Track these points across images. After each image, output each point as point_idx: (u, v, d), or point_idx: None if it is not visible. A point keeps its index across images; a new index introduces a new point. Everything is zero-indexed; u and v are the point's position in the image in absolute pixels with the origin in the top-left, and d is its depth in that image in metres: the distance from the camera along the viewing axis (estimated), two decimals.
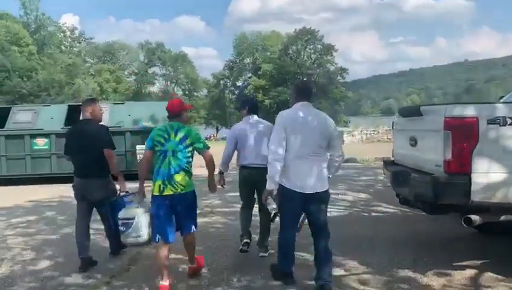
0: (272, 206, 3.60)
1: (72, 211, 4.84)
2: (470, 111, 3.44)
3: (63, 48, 57.15)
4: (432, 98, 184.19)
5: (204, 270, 4.00)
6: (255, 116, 4.51)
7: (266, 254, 4.35)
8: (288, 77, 61.99)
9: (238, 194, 4.60)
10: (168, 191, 3.61)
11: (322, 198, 3.50)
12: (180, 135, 3.71)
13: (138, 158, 10.42)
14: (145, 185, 3.80)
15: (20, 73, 46.33)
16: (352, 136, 20.92)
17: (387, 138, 20.89)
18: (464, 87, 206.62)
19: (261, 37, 70.03)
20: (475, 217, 3.43)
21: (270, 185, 3.46)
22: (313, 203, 3.45)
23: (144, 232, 3.74)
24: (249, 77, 67.10)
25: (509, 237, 4.37)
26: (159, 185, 3.63)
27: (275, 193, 3.50)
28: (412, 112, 4.37)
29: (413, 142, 4.18)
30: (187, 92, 69.48)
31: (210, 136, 61.36)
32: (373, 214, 6.15)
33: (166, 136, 3.71)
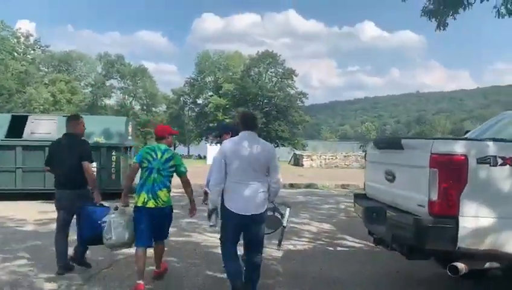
0: (211, 223, 3.99)
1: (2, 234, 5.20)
2: (458, 148, 3.15)
3: (15, 54, 54.39)
4: (385, 126, 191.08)
5: None
6: None
7: None
8: (249, 98, 62.13)
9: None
10: (150, 204, 4.17)
11: (257, 220, 3.79)
12: (166, 156, 4.30)
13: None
14: None
15: None
16: (312, 160, 20.81)
17: (345, 164, 21.01)
18: (415, 117, 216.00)
19: (224, 56, 70.16)
20: (461, 266, 3.11)
21: (211, 205, 3.91)
22: (248, 224, 3.78)
23: (113, 235, 4.16)
24: (210, 95, 66.67)
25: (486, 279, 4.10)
26: (144, 198, 4.18)
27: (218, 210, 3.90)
28: (391, 144, 4.07)
29: (391, 176, 3.87)
30: (145, 107, 68.01)
31: None
32: (338, 248, 5.79)
33: (154, 156, 4.27)
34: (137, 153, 4.52)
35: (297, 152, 24.39)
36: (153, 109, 69.00)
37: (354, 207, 5.04)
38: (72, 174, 4.58)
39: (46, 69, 62.17)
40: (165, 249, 4.60)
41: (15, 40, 55.41)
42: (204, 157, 25.08)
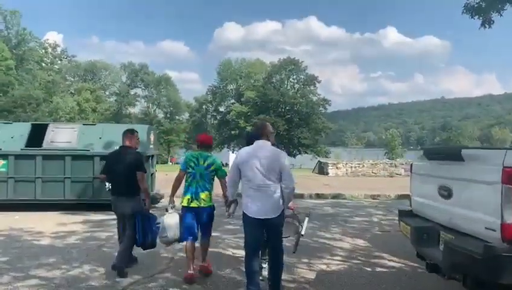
0: (230, 211, 4.41)
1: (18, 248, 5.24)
2: None
3: (43, 64, 55.63)
4: (410, 132, 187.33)
5: None
6: None
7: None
8: (271, 105, 61.73)
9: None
10: (194, 204, 4.74)
11: (274, 223, 4.02)
12: (208, 162, 4.84)
13: (107, 186, 9.32)
14: None
15: None
16: (337, 168, 20.13)
17: (372, 172, 20.26)
18: (441, 123, 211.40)
19: (246, 64, 70.11)
20: None
21: (231, 197, 4.34)
22: (266, 226, 4.02)
23: (168, 233, 4.74)
24: (232, 103, 66.67)
25: None
26: (188, 199, 4.76)
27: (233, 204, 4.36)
28: (447, 155, 3.51)
29: (446, 192, 3.34)
30: (168, 115, 68.46)
31: None
32: (377, 269, 5.21)
33: (196, 162, 4.83)
34: (183, 159, 5.16)
35: (322, 160, 23.73)
36: (176, 117, 69.39)
37: (399, 225, 4.48)
38: (127, 183, 5.05)
39: (72, 79, 63.38)
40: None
41: (43, 50, 56.69)
42: (227, 165, 24.65)
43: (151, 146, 10.28)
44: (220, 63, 70.17)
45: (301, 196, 11.96)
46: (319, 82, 66.08)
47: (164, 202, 10.60)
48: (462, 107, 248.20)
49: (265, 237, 4.11)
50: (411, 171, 4.37)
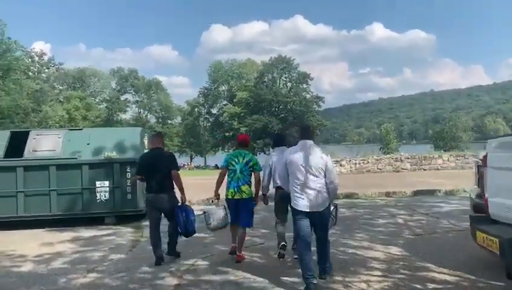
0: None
1: None
2: None
3: (30, 73, 54.16)
4: (402, 126, 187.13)
5: None
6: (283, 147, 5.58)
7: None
8: (264, 104, 60.82)
9: None
10: (237, 196, 5.41)
11: (322, 214, 4.41)
12: (246, 159, 5.49)
13: (98, 197, 8.37)
14: None
15: None
16: (341, 165, 19.25)
17: (378, 168, 19.41)
18: (432, 116, 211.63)
19: (236, 65, 69.24)
20: None
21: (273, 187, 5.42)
22: (315, 219, 4.38)
23: (212, 221, 5.51)
24: (224, 105, 65.74)
25: None
26: (232, 192, 5.43)
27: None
28: None
29: None
30: (160, 120, 67.40)
31: (184, 165, 58.94)
32: (429, 285, 4.26)
33: (237, 160, 5.48)
34: (224, 159, 5.78)
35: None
36: (169, 121, 68.37)
37: (474, 237, 3.56)
38: (163, 180, 5.55)
39: (60, 87, 62.06)
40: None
41: (29, 59, 55.21)
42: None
43: (146, 150, 9.29)
44: (210, 65, 69.25)
45: None
46: (311, 79, 65.31)
47: None
48: (452, 99, 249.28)
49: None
50: (484, 165, 3.46)
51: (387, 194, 11.33)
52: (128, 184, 8.41)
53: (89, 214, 8.37)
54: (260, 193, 5.59)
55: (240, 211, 5.43)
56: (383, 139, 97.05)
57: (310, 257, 4.31)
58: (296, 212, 4.42)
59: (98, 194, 8.34)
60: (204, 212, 5.68)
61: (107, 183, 8.39)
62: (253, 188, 5.52)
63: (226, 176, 5.53)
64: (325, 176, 4.34)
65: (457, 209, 8.74)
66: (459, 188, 11.68)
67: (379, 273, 4.69)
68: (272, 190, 5.64)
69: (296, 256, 5.01)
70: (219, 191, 5.59)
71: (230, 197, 5.45)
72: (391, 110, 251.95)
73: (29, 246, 6.73)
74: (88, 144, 8.61)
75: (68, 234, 7.58)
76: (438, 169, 19.15)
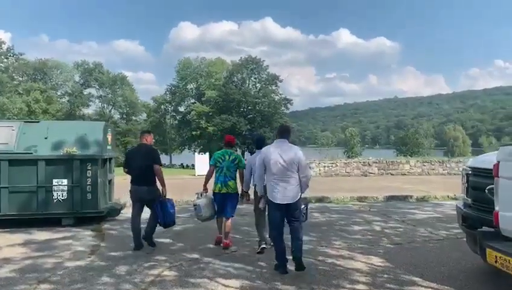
0: (260, 205, 5.44)
1: None
2: None
3: None
4: (365, 131, 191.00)
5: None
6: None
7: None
8: (233, 104, 60.32)
9: None
10: (223, 190, 6.08)
11: (294, 206, 4.91)
12: (232, 157, 6.20)
13: (55, 196, 7.66)
14: None
15: None
16: (310, 168, 19.01)
17: (346, 172, 19.33)
18: (395, 122, 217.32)
19: (206, 63, 68.29)
20: None
21: (259, 193, 5.29)
22: (289, 210, 4.90)
23: (203, 212, 6.13)
24: (192, 103, 64.77)
25: None
26: (219, 187, 6.10)
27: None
28: None
29: None
30: (125, 116, 65.54)
31: None
32: None
33: (223, 158, 6.18)
34: (212, 158, 6.42)
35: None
36: (133, 117, 66.59)
37: (484, 255, 3.23)
38: (147, 174, 6.02)
39: (20, 78, 59.22)
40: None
41: None
42: (193, 166, 23.05)
43: (109, 147, 8.65)
44: (178, 62, 68.00)
45: None
46: (280, 81, 65.31)
47: (125, 212, 9.06)
48: (415, 106, 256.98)
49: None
50: (496, 175, 3.15)
51: (360, 199, 11.13)
52: (89, 183, 7.75)
53: (45, 215, 7.64)
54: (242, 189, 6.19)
55: (226, 204, 6.07)
56: (348, 143, 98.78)
57: (282, 244, 4.91)
58: (272, 204, 4.94)
59: (55, 193, 7.63)
60: (195, 205, 6.23)
61: (65, 181, 7.69)
62: (238, 185, 6.18)
63: (214, 172, 6.17)
64: (298, 170, 4.86)
65: (432, 217, 8.61)
66: (430, 195, 11.66)
67: (364, 287, 4.34)
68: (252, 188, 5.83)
69: (271, 243, 5.45)
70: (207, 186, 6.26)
71: (217, 191, 6.07)
72: (355, 115, 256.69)
73: None
74: (46, 138, 7.86)
75: (19, 237, 6.86)
76: (404, 174, 19.27)
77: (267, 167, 4.89)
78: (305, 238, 5.97)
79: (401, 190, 12.97)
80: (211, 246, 6.22)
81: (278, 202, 4.82)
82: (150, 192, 6.03)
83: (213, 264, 5.23)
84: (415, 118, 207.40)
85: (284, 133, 5.12)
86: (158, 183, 6.12)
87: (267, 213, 5.25)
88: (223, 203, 6.06)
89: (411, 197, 11.48)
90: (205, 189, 6.25)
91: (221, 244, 6.05)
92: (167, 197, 6.17)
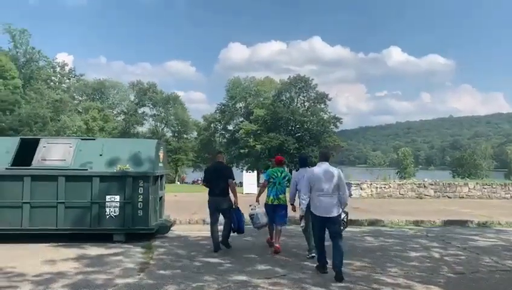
0: (301, 225, 6.36)
1: None
2: None
3: (51, 83, 54.84)
4: (419, 151, 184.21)
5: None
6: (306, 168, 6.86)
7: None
8: (281, 122, 60.35)
9: None
10: (275, 202, 7.15)
11: (335, 220, 5.69)
12: (283, 174, 7.33)
13: (107, 212, 7.83)
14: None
15: (2, 106, 43.76)
16: (361, 189, 18.47)
17: (400, 194, 18.56)
18: (450, 141, 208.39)
19: (255, 82, 69.12)
20: None
21: (302, 212, 6.04)
22: (329, 222, 5.68)
23: (261, 220, 7.30)
24: (241, 121, 65.45)
25: None
26: (271, 199, 7.17)
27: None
28: None
29: None
30: (176, 134, 67.37)
31: (197, 180, 58.45)
32: None
33: (276, 175, 7.27)
34: (265, 173, 7.81)
35: (345, 180, 22.03)
36: (184, 135, 68.29)
37: None
38: (222, 187, 7.24)
39: (80, 98, 62.59)
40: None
41: (51, 69, 56.03)
42: (240, 184, 23.07)
43: (161, 164, 8.78)
44: (228, 81, 69.23)
45: None
46: (329, 100, 64.71)
47: (174, 229, 9.13)
48: (471, 126, 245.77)
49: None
50: None
51: (415, 223, 10.56)
52: (140, 200, 7.87)
53: (97, 230, 7.82)
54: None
55: (277, 213, 7.11)
56: (400, 163, 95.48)
57: (324, 250, 5.77)
58: (315, 217, 5.78)
59: (107, 209, 7.80)
60: (251, 215, 7.38)
61: (117, 197, 7.86)
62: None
63: (267, 187, 7.29)
64: (338, 189, 5.68)
65: (497, 245, 7.98)
66: (493, 220, 10.87)
67: None
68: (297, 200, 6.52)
69: (313, 254, 6.39)
70: (259, 199, 7.50)
71: (270, 203, 7.17)
72: (408, 134, 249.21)
73: (30, 263, 6.20)
74: (101, 155, 8.11)
75: (73, 251, 7.04)
76: (463, 197, 18.23)
77: (312, 185, 5.75)
78: (358, 264, 6.18)
79: (459, 214, 12.22)
80: (260, 267, 6.06)
81: (320, 215, 5.66)
82: (225, 201, 7.24)
83: (262, 288, 5.05)
84: (471, 138, 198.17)
85: (325, 156, 6.10)
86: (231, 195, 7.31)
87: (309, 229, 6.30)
88: (274, 213, 7.11)
89: (471, 222, 10.75)
90: (258, 201, 7.41)
91: (273, 248, 7.05)
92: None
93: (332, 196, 5.61)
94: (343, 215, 6.05)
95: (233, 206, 7.25)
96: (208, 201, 7.34)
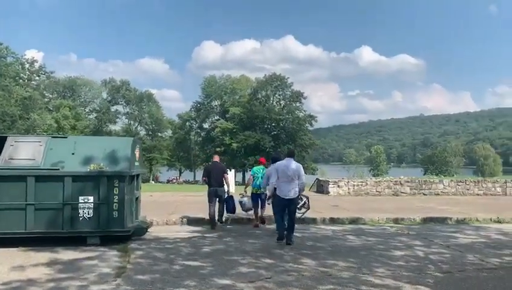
0: (268, 203, 9.08)
1: None
2: None
3: (20, 80, 52.84)
4: (390, 149, 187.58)
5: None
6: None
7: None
8: (257, 121, 60.26)
9: None
10: (259, 191, 9.53)
11: (293, 200, 7.80)
12: (264, 171, 9.41)
13: (81, 214, 7.42)
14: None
15: None
16: (339, 187, 18.45)
17: (377, 191, 18.63)
18: (421, 139, 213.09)
19: (230, 80, 68.77)
20: None
21: (269, 193, 8.20)
22: (289, 202, 7.72)
23: (247, 205, 9.77)
24: (217, 120, 65.08)
25: None
26: (256, 189, 9.59)
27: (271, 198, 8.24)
28: None
29: None
30: (150, 132, 66.33)
31: (172, 179, 57.66)
32: None
33: (258, 172, 9.77)
34: (252, 170, 10.29)
35: (321, 178, 22.00)
36: (159, 134, 67.34)
37: None
38: (220, 180, 9.64)
39: (50, 95, 60.82)
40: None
41: (19, 66, 54.02)
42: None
43: (137, 163, 8.41)
44: (204, 80, 68.71)
45: (313, 221, 10.23)
46: (304, 98, 64.97)
47: (152, 230, 8.80)
48: (441, 124, 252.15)
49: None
50: None
51: (395, 221, 10.52)
52: (115, 200, 7.49)
53: (70, 233, 7.40)
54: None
55: (260, 199, 9.53)
56: (373, 160, 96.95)
57: (283, 224, 7.70)
58: (278, 198, 7.73)
59: (80, 211, 7.39)
60: (241, 201, 9.75)
61: (91, 198, 7.45)
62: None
63: (252, 180, 9.76)
64: (298, 178, 7.71)
65: (478, 242, 7.99)
66: (471, 217, 10.96)
67: None
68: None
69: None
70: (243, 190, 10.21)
71: (255, 192, 9.61)
72: (380, 132, 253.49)
73: None
74: (73, 153, 7.67)
75: (44, 256, 6.61)
76: (438, 194, 18.45)
77: (279, 174, 7.70)
78: (343, 264, 6.24)
79: (437, 211, 12.30)
80: (243, 270, 5.83)
81: (282, 196, 7.64)
82: (222, 190, 9.62)
83: None
84: (441, 136, 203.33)
85: (291, 154, 8.33)
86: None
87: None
88: (258, 199, 9.57)
89: (450, 219, 10.81)
90: (246, 191, 9.93)
91: (258, 223, 9.60)
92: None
93: (292, 183, 7.63)
94: (304, 199, 9.29)
95: (227, 194, 9.75)
96: (208, 190, 9.59)
